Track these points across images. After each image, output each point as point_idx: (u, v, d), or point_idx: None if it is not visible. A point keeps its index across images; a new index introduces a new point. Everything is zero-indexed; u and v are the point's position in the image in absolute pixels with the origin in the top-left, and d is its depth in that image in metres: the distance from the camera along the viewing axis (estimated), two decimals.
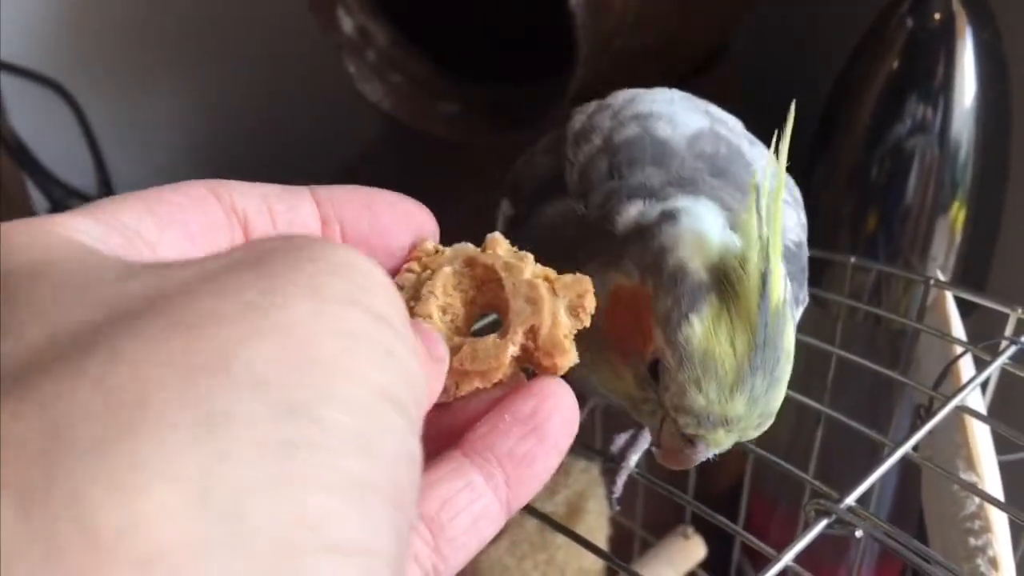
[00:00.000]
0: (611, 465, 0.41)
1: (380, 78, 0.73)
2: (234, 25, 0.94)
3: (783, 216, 0.29)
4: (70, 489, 0.13)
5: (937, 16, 0.59)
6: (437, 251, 0.26)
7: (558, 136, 0.38)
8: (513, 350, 0.25)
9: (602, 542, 0.59)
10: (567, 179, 0.35)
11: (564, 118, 0.39)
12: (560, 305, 0.26)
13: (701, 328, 0.28)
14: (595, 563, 0.60)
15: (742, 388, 0.28)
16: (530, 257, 0.26)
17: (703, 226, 0.30)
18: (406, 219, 0.26)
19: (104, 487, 0.13)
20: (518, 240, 0.27)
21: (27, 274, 0.17)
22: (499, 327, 0.26)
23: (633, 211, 0.32)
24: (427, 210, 0.27)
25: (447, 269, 0.26)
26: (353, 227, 0.24)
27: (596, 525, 0.60)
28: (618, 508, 0.42)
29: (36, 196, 0.90)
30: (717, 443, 0.30)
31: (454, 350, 0.25)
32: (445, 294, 0.26)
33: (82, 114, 0.92)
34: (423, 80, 0.73)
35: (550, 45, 0.68)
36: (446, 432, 0.24)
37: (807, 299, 0.37)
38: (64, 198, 0.93)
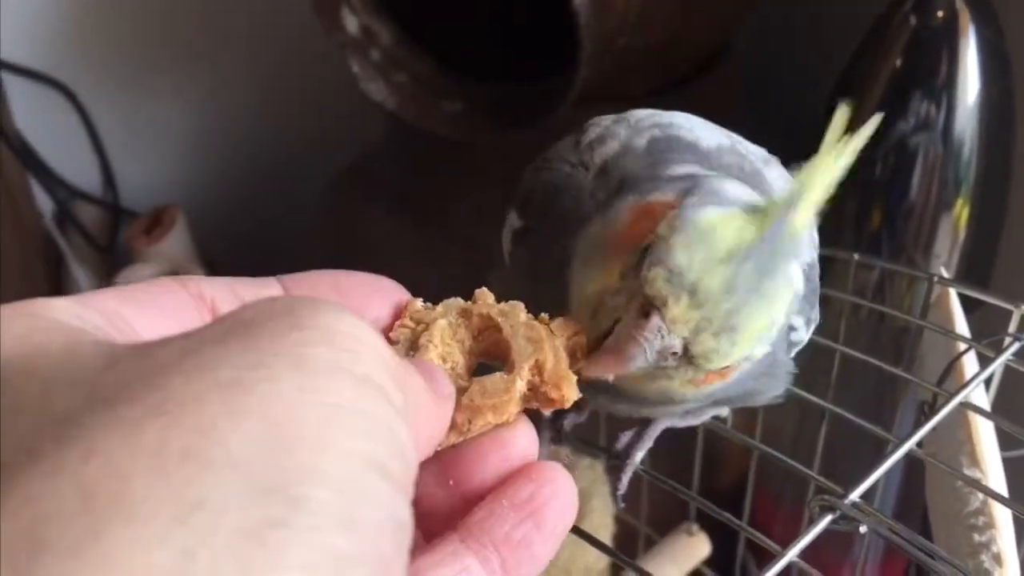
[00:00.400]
0: (616, 462, 0.41)
1: (384, 77, 0.73)
2: (238, 25, 0.94)
3: (829, 177, 0.28)
4: None
5: (940, 14, 0.59)
6: (427, 308, 0.27)
7: (570, 143, 0.37)
8: (521, 385, 0.25)
9: (607, 540, 0.59)
10: (581, 183, 0.35)
11: (569, 123, 0.38)
12: (559, 343, 0.26)
13: (715, 214, 0.27)
14: (599, 561, 0.60)
15: (728, 266, 0.26)
16: (520, 305, 0.27)
17: (746, 192, 0.30)
18: (377, 294, 0.26)
19: None
20: (529, 249, 0.27)
21: (19, 369, 0.17)
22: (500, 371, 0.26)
23: (680, 169, 0.32)
24: (396, 283, 0.27)
25: (442, 321, 0.26)
26: None
27: (601, 523, 0.60)
28: (623, 505, 0.42)
29: (41, 196, 0.91)
30: (673, 320, 0.26)
31: (461, 391, 0.25)
32: (444, 343, 0.26)
33: (86, 115, 0.92)
34: (427, 79, 0.73)
35: (553, 44, 0.68)
36: (463, 479, 0.25)
37: (819, 319, 0.36)
38: (68, 198, 0.93)
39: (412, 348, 0.26)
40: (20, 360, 0.17)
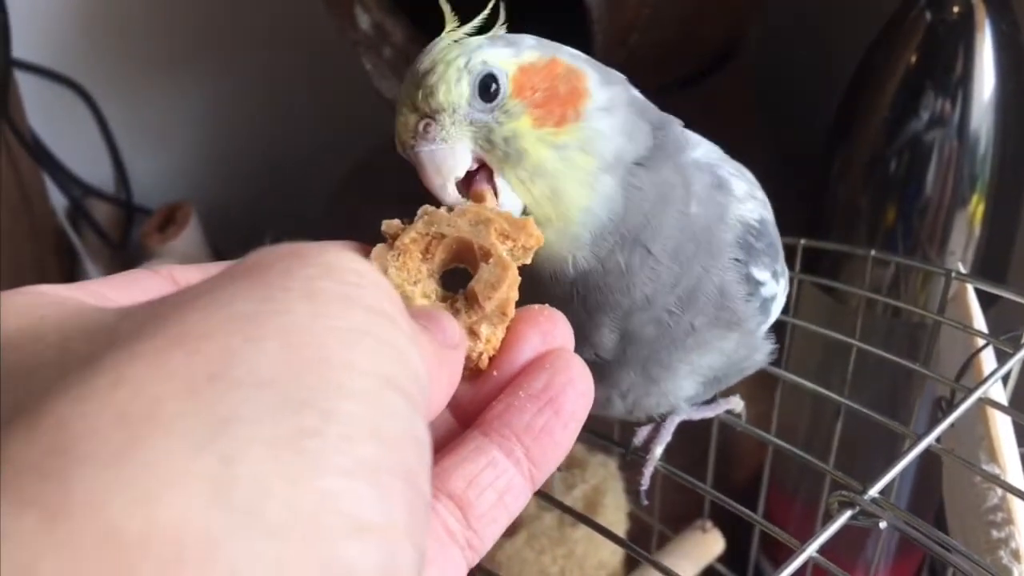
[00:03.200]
0: (635, 457, 0.41)
1: (396, 75, 0.73)
2: (251, 23, 0.95)
3: None
4: (91, 500, 0.13)
5: (956, 9, 0.59)
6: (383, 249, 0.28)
7: None
8: (505, 252, 0.27)
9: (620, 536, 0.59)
10: None
11: None
12: (487, 208, 0.29)
13: None
14: (613, 556, 0.60)
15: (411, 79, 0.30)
16: (431, 207, 0.29)
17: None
18: None
19: (123, 496, 0.13)
20: None
21: (31, 335, 0.18)
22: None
23: None
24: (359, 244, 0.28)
25: (406, 259, 0.27)
26: None
27: (614, 520, 0.60)
28: (647, 503, 0.42)
29: (54, 194, 0.91)
30: (405, 120, 0.30)
31: (454, 312, 0.26)
32: (419, 276, 0.27)
33: (99, 113, 0.93)
34: None
35: (566, 40, 0.68)
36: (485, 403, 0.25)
37: (785, 270, 0.38)
38: (83, 196, 0.93)
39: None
40: (30, 327, 0.18)
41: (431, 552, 0.23)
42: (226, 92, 0.98)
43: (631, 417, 0.38)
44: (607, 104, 0.31)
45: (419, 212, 0.28)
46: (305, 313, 0.17)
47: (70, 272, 0.90)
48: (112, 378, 0.15)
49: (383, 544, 0.16)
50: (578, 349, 0.29)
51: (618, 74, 0.34)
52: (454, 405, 0.25)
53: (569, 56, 0.32)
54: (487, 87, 0.29)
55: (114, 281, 0.22)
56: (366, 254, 0.27)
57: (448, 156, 0.29)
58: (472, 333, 0.25)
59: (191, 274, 0.24)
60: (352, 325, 0.17)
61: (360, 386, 0.17)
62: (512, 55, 0.30)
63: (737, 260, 0.34)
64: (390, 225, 0.28)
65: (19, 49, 0.83)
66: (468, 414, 0.25)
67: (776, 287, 0.36)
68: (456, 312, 0.26)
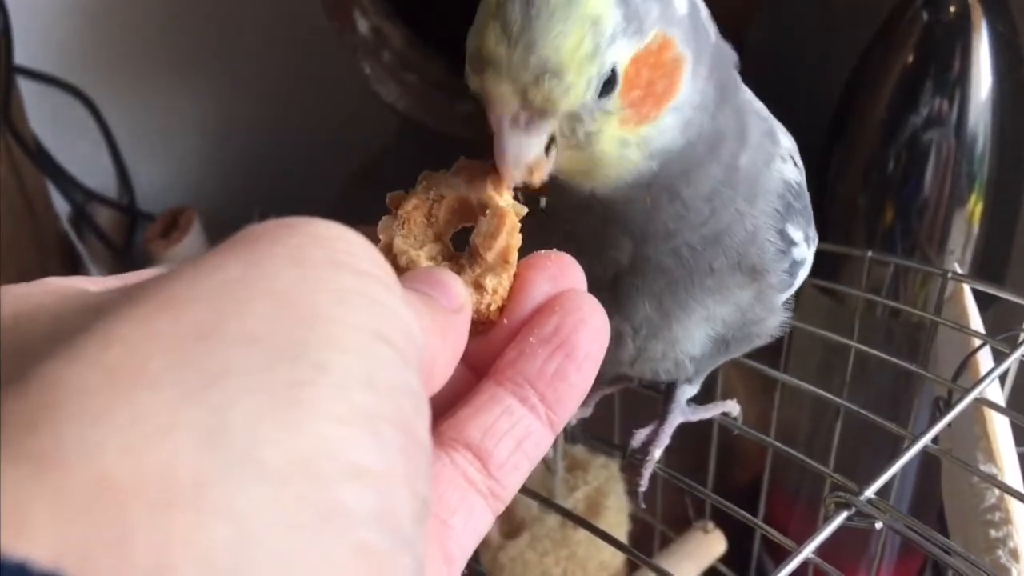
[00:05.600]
0: (633, 459, 0.41)
1: (395, 79, 0.73)
2: (251, 29, 0.95)
3: None
4: (81, 450, 0.14)
5: (952, 9, 0.59)
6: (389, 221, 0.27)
7: None
8: (507, 198, 0.26)
9: (622, 538, 0.59)
10: None
11: None
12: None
13: None
14: (615, 558, 0.60)
15: (495, 20, 0.26)
16: (429, 172, 0.28)
17: None
18: None
19: (113, 445, 0.14)
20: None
21: (26, 315, 0.18)
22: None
23: None
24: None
25: (410, 225, 0.27)
26: None
27: (616, 521, 0.60)
28: (644, 506, 0.42)
29: (57, 199, 0.91)
30: (494, 87, 0.26)
31: (460, 269, 0.25)
32: (425, 240, 0.27)
33: (102, 118, 0.93)
34: (438, 80, 0.73)
35: None
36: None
37: (816, 238, 0.37)
38: (86, 202, 0.94)
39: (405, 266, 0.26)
40: (26, 313, 0.18)
41: (453, 501, 0.23)
42: (228, 97, 0.98)
43: (634, 370, 0.37)
44: (686, 100, 0.29)
45: (419, 178, 0.28)
46: (294, 277, 0.17)
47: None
48: (101, 340, 0.15)
49: (380, 489, 0.16)
50: (595, 264, 0.28)
51: (706, 31, 0.31)
52: (469, 359, 0.24)
53: (679, 31, 0.29)
54: (604, 86, 0.27)
55: (126, 277, 0.22)
56: (372, 238, 0.27)
57: (534, 147, 0.27)
58: (478, 287, 0.25)
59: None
60: (341, 287, 0.18)
61: (351, 340, 0.17)
62: (638, 40, 0.27)
63: (777, 211, 0.34)
64: (394, 196, 0.28)
65: (21, 56, 0.83)
66: (484, 365, 0.25)
67: (807, 251, 0.36)
68: (460, 269, 0.25)
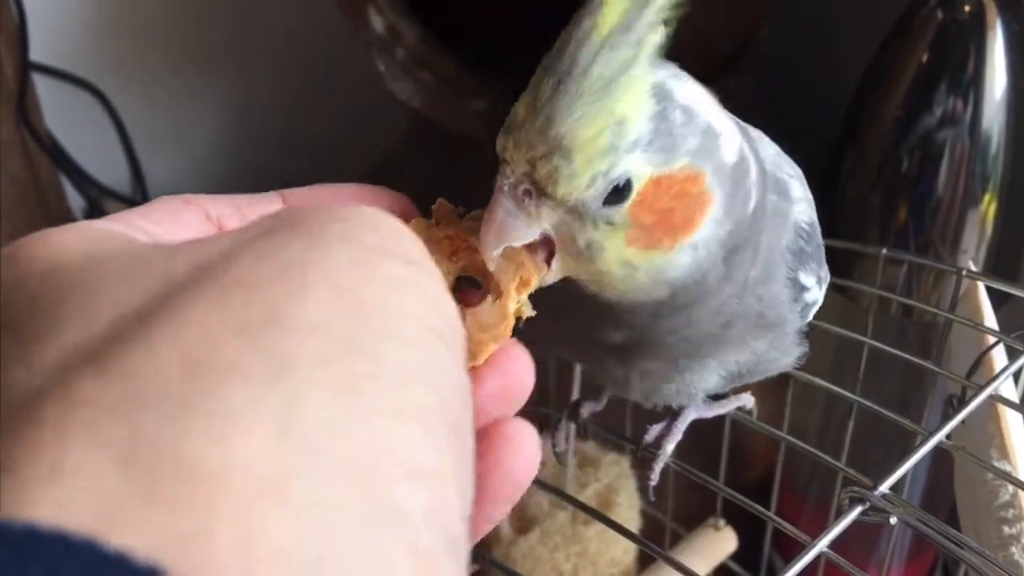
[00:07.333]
0: (646, 454, 0.41)
1: (410, 76, 0.74)
2: (265, 25, 0.95)
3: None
4: (167, 440, 0.14)
5: (967, 8, 0.59)
6: None
7: None
8: (514, 307, 0.26)
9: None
10: None
11: None
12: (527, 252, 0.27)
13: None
14: (626, 555, 0.60)
15: (532, 90, 0.26)
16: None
17: None
18: (374, 203, 0.26)
19: (198, 435, 0.14)
20: None
21: (81, 266, 0.18)
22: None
23: None
24: (391, 192, 0.27)
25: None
26: None
27: (627, 518, 0.60)
28: (653, 499, 0.42)
29: (72, 195, 0.92)
30: (511, 157, 0.26)
31: None
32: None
33: (116, 115, 0.94)
34: (452, 78, 0.73)
35: None
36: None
37: (828, 276, 0.37)
38: (99, 197, 0.94)
39: None
40: (91, 262, 0.18)
41: None
42: (241, 94, 0.99)
43: (646, 402, 0.38)
44: (705, 240, 0.28)
45: (473, 212, 0.28)
46: (347, 262, 0.17)
47: None
48: (174, 324, 0.15)
49: (432, 488, 0.16)
50: (592, 338, 0.28)
51: (748, 190, 0.29)
52: None
53: (713, 169, 0.28)
54: (613, 194, 0.26)
55: (155, 215, 0.22)
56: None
57: (521, 230, 0.26)
58: None
59: (222, 207, 0.24)
60: (392, 274, 0.18)
61: (406, 331, 0.17)
62: (662, 161, 0.26)
63: (789, 273, 0.33)
64: (441, 207, 0.28)
65: (37, 52, 0.84)
66: None
67: (819, 293, 0.36)
68: None
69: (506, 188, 0.26)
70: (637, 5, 0.26)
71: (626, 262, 0.27)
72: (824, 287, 0.37)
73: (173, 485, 0.13)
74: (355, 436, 0.15)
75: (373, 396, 0.16)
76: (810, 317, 0.37)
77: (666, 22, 0.27)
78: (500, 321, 0.25)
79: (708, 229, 0.28)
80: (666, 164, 0.26)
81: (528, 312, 0.27)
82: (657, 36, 0.26)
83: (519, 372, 0.24)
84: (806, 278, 0.34)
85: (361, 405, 0.15)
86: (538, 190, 0.26)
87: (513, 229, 0.26)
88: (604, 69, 0.25)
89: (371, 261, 0.18)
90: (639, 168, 0.26)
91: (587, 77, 0.25)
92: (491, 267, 0.26)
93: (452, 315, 0.19)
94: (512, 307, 0.26)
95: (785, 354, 0.37)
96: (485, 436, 0.23)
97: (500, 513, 0.23)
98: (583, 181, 0.25)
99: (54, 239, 0.19)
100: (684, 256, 0.28)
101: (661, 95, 0.26)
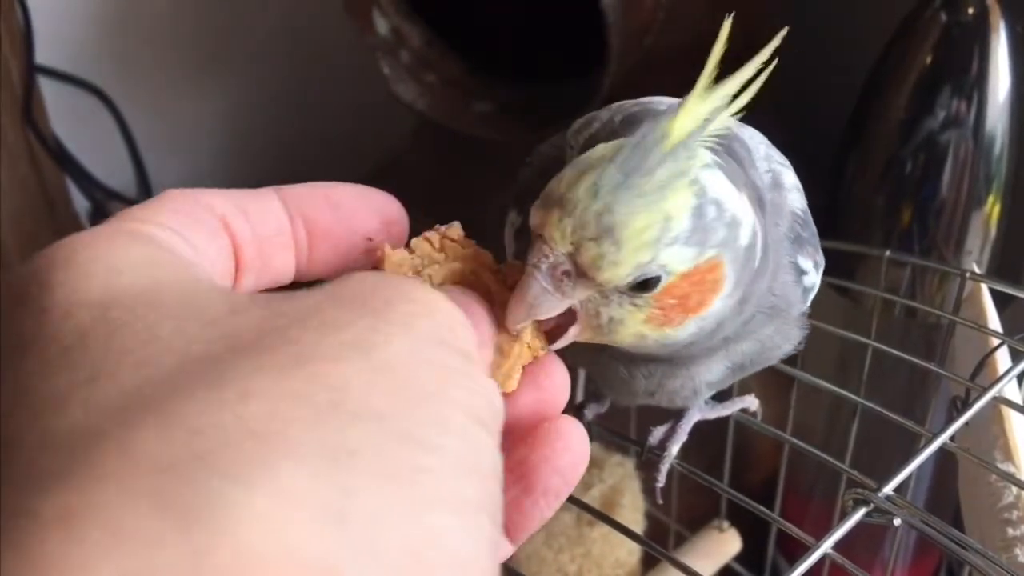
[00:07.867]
0: (651, 455, 0.41)
1: (414, 79, 0.74)
2: (269, 28, 0.95)
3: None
4: (226, 514, 0.14)
5: (970, 10, 0.59)
6: (397, 251, 0.27)
7: (560, 135, 0.38)
8: (524, 353, 0.27)
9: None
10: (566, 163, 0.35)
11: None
12: None
13: (601, 147, 0.28)
14: (631, 556, 0.60)
15: (592, 174, 0.27)
16: (488, 255, 0.28)
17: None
18: (366, 205, 0.27)
19: (256, 515, 0.14)
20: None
21: (135, 295, 0.18)
22: None
23: None
24: (386, 195, 0.28)
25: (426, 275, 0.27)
26: (320, 217, 0.26)
27: (631, 519, 0.60)
28: (661, 502, 0.43)
29: (77, 197, 0.92)
30: (551, 236, 0.26)
31: None
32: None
33: (121, 118, 0.94)
34: (457, 80, 0.74)
35: (583, 44, 0.68)
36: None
37: (823, 261, 0.37)
38: (104, 199, 0.95)
39: None
40: (145, 294, 0.18)
41: None
42: (245, 96, 0.99)
43: (651, 400, 0.38)
44: (712, 315, 0.30)
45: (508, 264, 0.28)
46: (407, 348, 0.18)
47: None
48: (239, 390, 0.16)
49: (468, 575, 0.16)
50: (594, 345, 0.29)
51: (754, 260, 0.30)
52: None
53: (731, 257, 0.29)
54: (643, 284, 0.27)
55: (175, 218, 0.22)
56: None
57: (552, 305, 0.27)
58: None
59: (224, 204, 0.24)
60: (446, 365, 0.18)
61: (459, 423, 0.18)
62: (694, 255, 0.27)
63: (788, 255, 0.34)
64: (453, 232, 0.29)
65: (42, 55, 0.84)
66: None
67: (815, 277, 0.36)
68: None
69: (544, 268, 0.27)
70: (700, 129, 0.27)
71: (641, 335, 0.29)
72: (820, 272, 0.37)
73: (227, 561, 0.14)
74: (408, 530, 0.15)
75: (425, 489, 0.16)
76: (809, 301, 0.37)
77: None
78: (503, 361, 0.26)
79: (717, 305, 0.30)
80: (698, 257, 0.28)
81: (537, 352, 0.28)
82: (708, 155, 0.28)
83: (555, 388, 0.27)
84: (804, 262, 0.35)
85: (415, 499, 0.16)
86: (578, 272, 0.27)
87: (544, 303, 0.27)
88: (664, 174, 0.27)
89: (427, 349, 0.18)
90: (675, 262, 0.27)
91: (650, 179, 0.26)
92: (514, 333, 0.27)
93: (495, 404, 0.20)
94: (516, 377, 0.26)
95: (787, 340, 0.37)
96: (536, 430, 0.25)
97: (550, 508, 0.25)
98: (625, 271, 0.26)
99: (103, 252, 0.19)
100: (692, 327, 0.30)
101: (699, 192, 0.27)
